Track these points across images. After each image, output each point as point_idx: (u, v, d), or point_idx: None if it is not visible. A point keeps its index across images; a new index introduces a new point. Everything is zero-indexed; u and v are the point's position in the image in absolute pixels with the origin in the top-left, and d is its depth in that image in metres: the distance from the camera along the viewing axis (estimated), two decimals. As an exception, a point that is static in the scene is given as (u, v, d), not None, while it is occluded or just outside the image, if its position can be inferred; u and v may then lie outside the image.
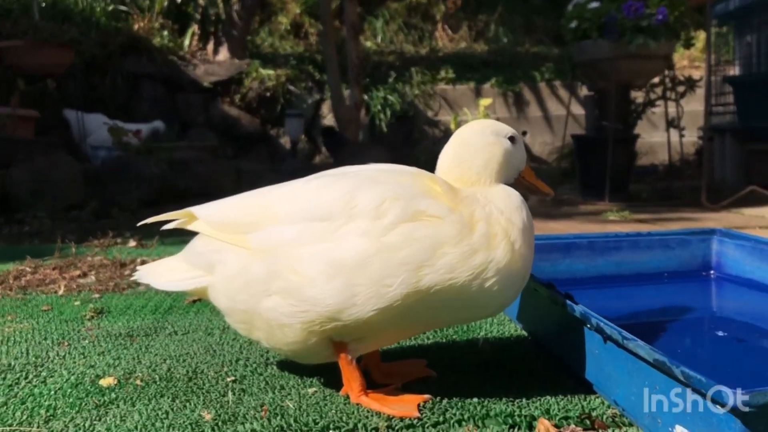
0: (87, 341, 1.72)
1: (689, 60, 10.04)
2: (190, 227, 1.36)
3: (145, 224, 1.42)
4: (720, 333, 1.53)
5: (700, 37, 7.46)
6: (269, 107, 9.15)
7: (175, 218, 1.38)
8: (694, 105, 6.43)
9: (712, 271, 1.91)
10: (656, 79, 5.34)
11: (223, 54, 9.30)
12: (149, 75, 8.32)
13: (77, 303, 2.14)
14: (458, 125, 9.27)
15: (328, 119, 9.19)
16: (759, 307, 1.72)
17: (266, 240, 1.22)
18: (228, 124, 8.75)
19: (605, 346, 1.17)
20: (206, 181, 6.23)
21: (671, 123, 5.42)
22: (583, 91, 6.24)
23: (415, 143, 7.54)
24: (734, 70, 6.00)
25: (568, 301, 1.28)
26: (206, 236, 1.32)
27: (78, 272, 2.62)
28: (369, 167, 1.35)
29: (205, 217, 1.32)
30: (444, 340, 1.67)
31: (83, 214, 5.13)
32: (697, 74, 9.49)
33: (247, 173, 6.60)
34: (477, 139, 1.31)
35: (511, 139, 1.34)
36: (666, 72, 5.26)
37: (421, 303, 1.17)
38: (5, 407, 1.30)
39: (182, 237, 3.69)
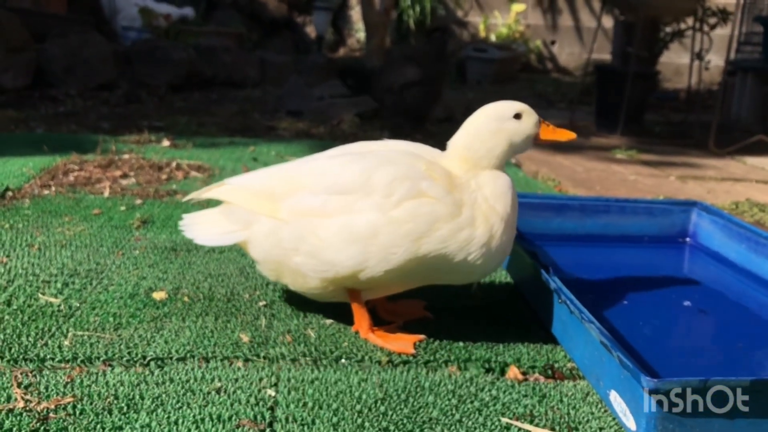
0: (138, 252, 2.00)
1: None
2: (220, 195, 1.58)
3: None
4: (684, 300, 1.79)
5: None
6: (298, -8, 9.03)
7: (211, 190, 1.61)
8: (728, 30, 6.32)
9: (688, 239, 2.15)
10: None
11: (254, -68, 9.05)
12: (179, -50, 8.17)
13: (123, 208, 2.41)
14: (487, 29, 9.19)
15: (356, 11, 9.09)
16: (720, 277, 1.98)
17: (296, 205, 1.46)
18: (255, 6, 8.70)
19: (570, 316, 1.44)
20: (231, 70, 6.36)
21: (698, 55, 5.43)
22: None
23: (449, 59, 7.47)
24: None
25: (544, 273, 1.53)
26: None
27: (119, 172, 2.89)
28: (386, 147, 1.57)
29: (241, 183, 1.55)
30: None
31: (113, 96, 5.33)
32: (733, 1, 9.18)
33: (272, 64, 6.70)
34: (483, 129, 1.46)
35: (517, 116, 1.47)
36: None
37: (419, 266, 1.42)
38: (80, 311, 1.60)
39: (212, 139, 3.90)
